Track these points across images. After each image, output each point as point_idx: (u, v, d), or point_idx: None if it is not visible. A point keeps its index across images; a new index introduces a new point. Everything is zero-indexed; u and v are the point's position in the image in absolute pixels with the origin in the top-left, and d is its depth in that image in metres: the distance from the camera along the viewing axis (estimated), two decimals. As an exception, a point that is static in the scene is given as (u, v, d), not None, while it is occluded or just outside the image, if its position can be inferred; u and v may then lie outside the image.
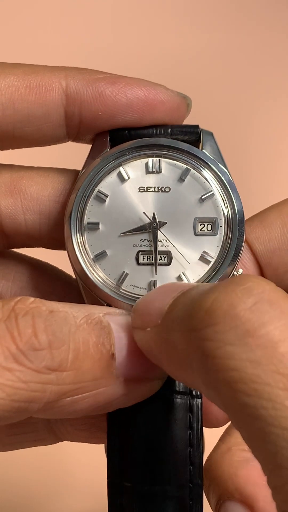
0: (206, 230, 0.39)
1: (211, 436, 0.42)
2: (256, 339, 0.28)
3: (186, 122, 0.41)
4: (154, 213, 0.39)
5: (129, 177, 0.39)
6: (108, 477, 0.38)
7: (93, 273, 0.39)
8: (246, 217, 0.39)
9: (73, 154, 0.46)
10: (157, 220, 0.39)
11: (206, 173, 0.39)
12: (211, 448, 0.44)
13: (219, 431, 0.44)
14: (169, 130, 0.40)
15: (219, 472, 0.41)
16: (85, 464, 0.68)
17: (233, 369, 0.28)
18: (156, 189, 0.39)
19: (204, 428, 0.38)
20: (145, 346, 0.34)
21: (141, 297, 0.36)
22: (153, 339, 0.33)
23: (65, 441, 0.44)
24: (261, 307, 0.28)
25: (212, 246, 0.39)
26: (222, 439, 0.43)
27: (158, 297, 0.33)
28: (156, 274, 0.39)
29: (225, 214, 0.39)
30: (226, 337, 0.28)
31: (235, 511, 0.40)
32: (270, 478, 0.27)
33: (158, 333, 0.32)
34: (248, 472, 0.41)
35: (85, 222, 0.39)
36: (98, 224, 0.39)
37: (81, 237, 0.39)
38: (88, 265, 0.39)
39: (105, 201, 0.39)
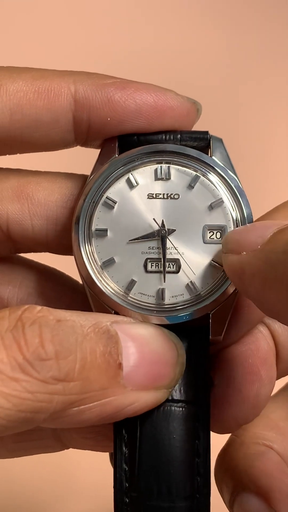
0: (215, 238, 0.38)
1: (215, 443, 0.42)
2: None
3: (195, 128, 0.41)
4: (163, 220, 0.38)
5: (138, 184, 0.39)
6: (114, 487, 0.37)
7: (100, 280, 0.38)
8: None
9: (81, 159, 0.45)
10: (166, 228, 0.38)
11: (216, 180, 0.39)
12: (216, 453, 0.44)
13: (224, 438, 0.44)
14: (179, 136, 0.39)
15: (233, 465, 0.41)
16: (88, 468, 0.68)
17: None
18: (165, 196, 0.39)
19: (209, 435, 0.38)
20: (237, 269, 0.34)
21: (150, 303, 0.37)
22: (248, 262, 0.34)
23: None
24: None
25: (221, 254, 0.38)
26: (236, 432, 0.43)
27: (258, 226, 0.35)
28: (164, 282, 0.38)
29: (235, 221, 0.39)
30: None
31: (251, 503, 0.40)
32: None
33: (257, 256, 0.33)
34: (263, 465, 0.40)
35: (93, 228, 0.38)
36: (106, 231, 0.38)
37: (88, 244, 0.38)
38: (96, 272, 0.38)
39: (113, 207, 0.39)
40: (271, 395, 0.42)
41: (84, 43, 0.86)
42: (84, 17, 0.89)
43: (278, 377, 0.42)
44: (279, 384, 0.44)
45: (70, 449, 0.45)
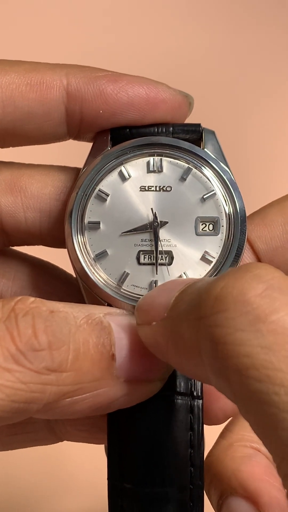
0: (207, 230, 0.39)
1: (209, 435, 0.42)
2: (268, 325, 0.27)
3: (188, 120, 0.41)
4: (155, 213, 0.38)
5: (130, 176, 0.39)
6: (108, 479, 0.37)
7: (93, 273, 0.38)
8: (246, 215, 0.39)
9: (74, 152, 0.45)
10: (158, 220, 0.38)
11: (208, 173, 0.39)
12: (210, 447, 0.44)
13: (217, 430, 0.44)
14: (171, 128, 0.39)
15: (221, 468, 0.41)
16: (84, 464, 0.68)
17: (244, 355, 0.27)
18: (157, 188, 0.39)
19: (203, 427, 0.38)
20: (151, 340, 0.33)
21: (142, 295, 0.36)
22: (159, 332, 0.32)
23: (64, 442, 0.44)
24: (271, 293, 0.28)
25: (214, 246, 0.38)
26: (223, 435, 0.43)
27: (162, 292, 0.33)
28: (157, 274, 0.38)
29: (227, 213, 0.39)
30: (236, 323, 0.28)
31: (239, 507, 0.40)
32: (281, 466, 0.27)
33: (165, 325, 0.32)
34: (251, 468, 0.40)
35: (85, 221, 0.39)
36: (99, 223, 0.39)
37: (81, 237, 0.39)
38: (89, 264, 0.38)
39: (106, 200, 0.39)
40: None
41: (80, 39, 0.86)
42: (81, 12, 0.89)
43: None
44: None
45: (66, 445, 0.45)
